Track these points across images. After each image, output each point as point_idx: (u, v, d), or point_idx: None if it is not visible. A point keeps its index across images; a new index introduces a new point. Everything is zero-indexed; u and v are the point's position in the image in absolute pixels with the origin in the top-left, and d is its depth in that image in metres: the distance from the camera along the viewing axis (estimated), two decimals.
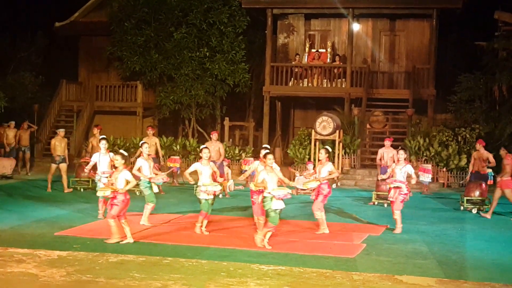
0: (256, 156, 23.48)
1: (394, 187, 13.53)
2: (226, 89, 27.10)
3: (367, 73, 26.28)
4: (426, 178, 19.95)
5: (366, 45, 27.85)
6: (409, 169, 13.56)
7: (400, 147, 14.35)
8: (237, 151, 24.71)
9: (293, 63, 27.14)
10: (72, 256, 10.51)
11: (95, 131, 20.25)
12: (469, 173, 17.80)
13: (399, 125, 25.95)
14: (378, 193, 17.66)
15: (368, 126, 25.23)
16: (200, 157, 13.00)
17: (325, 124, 21.69)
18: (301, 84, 26.74)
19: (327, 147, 13.74)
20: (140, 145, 14.59)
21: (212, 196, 12.78)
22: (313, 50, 27.45)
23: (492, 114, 24.80)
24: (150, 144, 19.05)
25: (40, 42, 30.90)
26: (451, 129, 23.89)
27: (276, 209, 11.48)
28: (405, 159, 13.76)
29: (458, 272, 10.10)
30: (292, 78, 26.79)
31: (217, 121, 28.54)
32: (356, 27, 27.21)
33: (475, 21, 29.34)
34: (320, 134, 21.89)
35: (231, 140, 26.71)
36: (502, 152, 16.56)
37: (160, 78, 27.36)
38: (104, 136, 15.27)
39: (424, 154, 22.69)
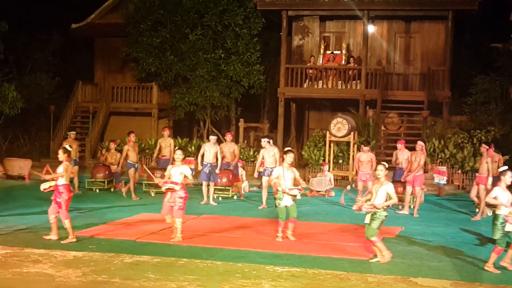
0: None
1: (167, 189, 12.22)
2: (241, 91, 27.15)
3: (382, 75, 26.23)
4: (441, 180, 19.89)
5: (381, 47, 27.82)
6: (186, 170, 12.36)
7: (177, 148, 13.49)
8: (251, 153, 24.75)
9: (308, 64, 27.14)
10: (87, 257, 10.57)
11: (132, 137, 18.90)
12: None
13: (414, 127, 25.87)
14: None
15: (383, 128, 25.19)
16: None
17: (340, 126, 21.68)
18: (316, 86, 26.73)
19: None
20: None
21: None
22: (328, 52, 27.44)
23: (508, 116, 24.69)
24: (165, 145, 19.16)
25: (56, 43, 31.10)
26: (466, 131, 23.81)
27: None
28: (182, 159, 12.67)
29: (473, 274, 10.08)
30: (307, 80, 26.80)
31: (231, 123, 28.60)
32: (371, 29, 27.17)
33: (490, 22, 29.24)
34: (335, 136, 21.88)
35: (245, 141, 26.75)
36: None
37: (175, 79, 27.45)
38: (290, 148, 13.53)
39: (439, 156, 22.63)
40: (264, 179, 17.14)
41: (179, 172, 12.24)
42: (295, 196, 12.23)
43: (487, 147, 16.42)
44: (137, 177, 18.74)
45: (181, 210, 12.12)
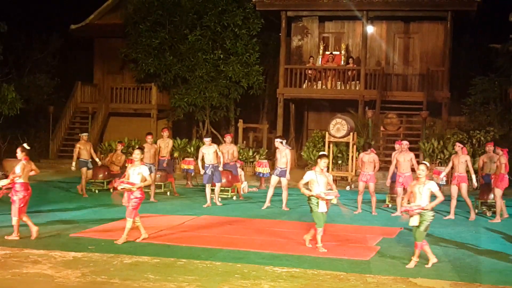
0: (269, 158, 23.54)
1: (123, 189, 12.11)
2: (240, 91, 27.13)
3: (381, 75, 26.23)
4: (441, 181, 19.87)
5: (380, 48, 27.82)
6: (144, 170, 12.01)
7: (138, 146, 13.10)
8: (250, 153, 24.73)
9: (307, 65, 27.14)
10: (87, 257, 10.57)
11: (149, 139, 18.55)
12: (480, 176, 17.57)
13: (413, 127, 25.88)
14: (392, 195, 17.61)
15: (382, 128, 25.18)
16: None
17: (339, 127, 21.66)
18: (315, 87, 26.73)
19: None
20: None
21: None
22: (327, 53, 27.43)
23: (507, 116, 24.69)
24: (164, 146, 19.12)
25: (55, 44, 31.08)
26: (465, 131, 23.80)
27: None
28: (141, 160, 12.38)
29: (472, 275, 10.07)
30: (306, 80, 26.80)
31: (231, 123, 28.59)
32: (370, 29, 27.17)
33: (489, 23, 29.25)
34: (334, 137, 21.86)
35: (244, 142, 26.74)
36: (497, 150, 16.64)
37: (174, 80, 27.44)
38: (324, 153, 12.86)
39: (438, 157, 22.62)
40: (273, 178, 17.05)
41: (137, 172, 12.03)
42: (329, 201, 11.67)
43: (462, 145, 16.46)
44: (151, 179, 18.21)
45: (134, 210, 11.91)
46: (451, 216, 16.02)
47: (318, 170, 11.68)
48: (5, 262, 10.12)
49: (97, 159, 19.40)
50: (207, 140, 17.46)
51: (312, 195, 11.57)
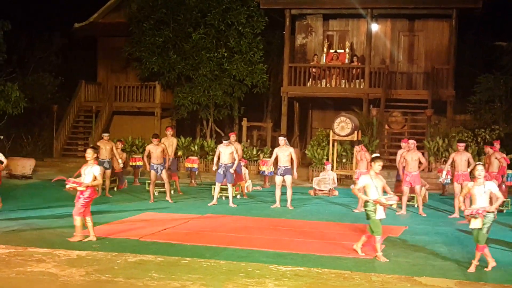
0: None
1: (70, 187, 11.93)
2: (244, 90, 27.10)
3: (386, 73, 26.18)
4: (446, 179, 19.81)
5: (384, 46, 27.77)
6: (95, 170, 11.84)
7: (91, 146, 12.92)
8: (254, 152, 24.69)
9: (311, 63, 27.10)
10: (91, 256, 10.54)
11: (154, 141, 18.26)
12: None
13: (418, 126, 25.83)
14: (397, 194, 17.52)
15: (386, 127, 25.15)
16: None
17: (343, 125, 21.62)
18: (319, 85, 26.69)
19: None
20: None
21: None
22: (331, 51, 27.39)
23: None
24: (168, 144, 19.08)
25: (58, 42, 31.10)
26: (470, 130, 23.73)
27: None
28: (94, 159, 12.10)
29: (478, 274, 10.02)
30: (310, 79, 26.76)
31: (235, 122, 28.57)
32: (374, 27, 27.11)
33: (494, 21, 29.16)
34: (338, 135, 21.82)
35: (248, 140, 26.71)
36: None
37: (178, 78, 27.43)
38: (378, 155, 12.09)
39: (443, 155, 22.56)
40: (278, 178, 17.00)
41: (88, 172, 11.82)
42: (388, 206, 11.05)
43: (462, 144, 16.53)
44: (164, 178, 17.92)
45: (82, 208, 11.74)
46: (456, 214, 15.97)
47: (373, 174, 11.02)
48: (9, 261, 10.10)
49: (119, 160, 19.20)
50: (225, 142, 17.34)
51: (369, 199, 10.89)
